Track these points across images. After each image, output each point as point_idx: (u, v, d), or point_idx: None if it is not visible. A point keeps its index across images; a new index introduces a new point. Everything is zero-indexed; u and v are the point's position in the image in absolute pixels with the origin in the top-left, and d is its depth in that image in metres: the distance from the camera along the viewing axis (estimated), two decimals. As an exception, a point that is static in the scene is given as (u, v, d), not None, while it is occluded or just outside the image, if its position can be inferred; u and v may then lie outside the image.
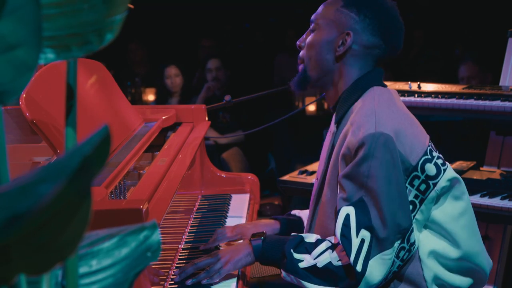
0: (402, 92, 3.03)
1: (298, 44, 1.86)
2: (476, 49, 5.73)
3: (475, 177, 2.85)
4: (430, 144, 1.73)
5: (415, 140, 1.67)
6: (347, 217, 1.61)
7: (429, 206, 1.68)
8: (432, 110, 2.91)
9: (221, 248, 1.98)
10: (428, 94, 2.97)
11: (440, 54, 6.16)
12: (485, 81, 4.24)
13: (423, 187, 1.66)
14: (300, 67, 1.87)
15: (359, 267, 1.59)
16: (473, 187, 2.75)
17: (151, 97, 5.79)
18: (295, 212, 2.12)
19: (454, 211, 1.72)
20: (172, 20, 7.76)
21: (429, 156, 1.68)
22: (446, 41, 6.54)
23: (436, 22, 6.89)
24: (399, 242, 1.61)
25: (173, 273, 1.81)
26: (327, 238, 1.72)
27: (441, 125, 3.95)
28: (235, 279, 1.80)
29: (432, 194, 1.67)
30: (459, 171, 2.91)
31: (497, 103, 2.73)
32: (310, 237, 1.73)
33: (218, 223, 2.22)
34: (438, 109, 2.89)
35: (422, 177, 1.65)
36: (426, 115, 3.13)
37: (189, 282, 1.73)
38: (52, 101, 1.75)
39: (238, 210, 2.40)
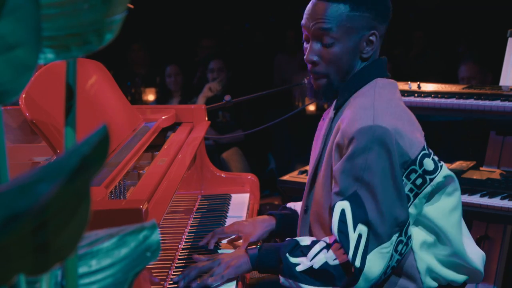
0: (402, 92, 3.02)
1: (311, 60, 1.75)
2: (476, 49, 5.73)
3: (475, 177, 2.85)
4: (426, 143, 1.73)
5: (413, 136, 1.66)
6: (343, 212, 1.60)
7: (422, 201, 1.68)
8: (432, 110, 2.91)
9: (220, 246, 1.99)
10: (428, 94, 2.97)
11: (440, 54, 6.16)
12: (485, 81, 4.24)
13: (419, 181, 1.65)
14: (322, 81, 1.78)
15: (357, 263, 1.58)
16: (473, 187, 2.75)
17: (151, 97, 5.79)
18: (290, 205, 2.12)
19: (446, 207, 1.72)
20: (172, 20, 7.76)
21: (427, 152, 1.68)
22: (446, 41, 6.54)
23: (436, 22, 6.90)
24: (397, 235, 1.61)
25: (173, 273, 1.81)
26: (322, 239, 1.72)
27: (441, 125, 3.95)
28: (234, 282, 1.80)
29: (428, 189, 1.67)
30: (459, 171, 2.91)
31: (497, 103, 2.73)
32: (305, 240, 1.73)
33: (218, 223, 2.22)
34: (438, 109, 2.89)
35: (420, 171, 1.65)
36: (426, 115, 3.13)
37: (194, 285, 1.73)
38: (52, 101, 1.76)
39: (238, 210, 2.40)
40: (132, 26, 2.84)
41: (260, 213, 2.60)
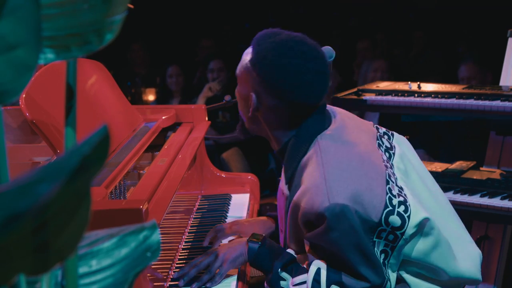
0: (402, 92, 3.03)
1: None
2: (476, 49, 5.73)
3: (475, 177, 2.85)
4: (387, 188, 1.62)
5: (373, 194, 1.59)
6: (318, 271, 1.60)
7: (400, 251, 1.64)
8: (432, 110, 2.91)
9: (220, 246, 1.99)
10: (428, 94, 2.97)
11: (440, 54, 6.16)
12: (485, 81, 4.24)
13: (391, 237, 1.61)
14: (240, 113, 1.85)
15: None
16: (473, 187, 2.75)
17: (151, 97, 5.79)
18: None
19: (425, 247, 1.66)
20: (173, 20, 7.76)
21: (390, 208, 1.59)
22: (446, 41, 6.54)
23: (436, 22, 6.90)
24: None
25: (173, 273, 1.81)
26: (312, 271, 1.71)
27: (441, 125, 3.95)
28: (235, 278, 1.80)
29: (401, 242, 1.62)
30: (459, 171, 2.91)
31: (497, 103, 2.73)
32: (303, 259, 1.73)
33: (218, 223, 2.21)
34: (438, 109, 2.89)
35: (388, 229, 1.59)
36: (426, 115, 3.13)
37: (194, 286, 1.74)
38: (52, 101, 1.76)
39: (238, 210, 2.40)
40: (132, 26, 2.84)
41: (260, 213, 2.60)
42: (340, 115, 1.79)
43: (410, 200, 1.63)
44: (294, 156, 1.71)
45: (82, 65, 2.08)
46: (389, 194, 1.61)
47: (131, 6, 0.74)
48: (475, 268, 1.78)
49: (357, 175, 1.61)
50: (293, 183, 1.72)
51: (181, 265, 1.86)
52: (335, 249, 1.58)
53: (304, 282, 1.66)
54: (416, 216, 1.61)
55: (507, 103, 2.70)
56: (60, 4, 0.67)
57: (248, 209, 2.42)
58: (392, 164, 1.74)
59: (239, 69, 1.76)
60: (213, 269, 1.75)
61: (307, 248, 1.68)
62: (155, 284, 1.72)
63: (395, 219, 1.58)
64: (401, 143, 1.86)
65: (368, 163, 1.65)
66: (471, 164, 3.03)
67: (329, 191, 1.57)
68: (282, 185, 1.81)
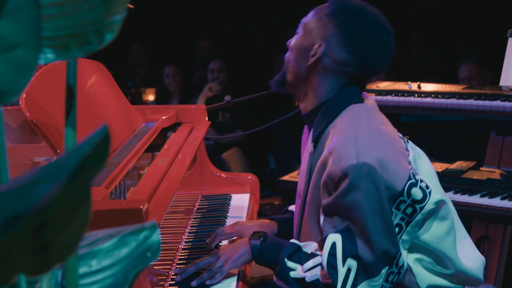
0: (402, 92, 3.03)
1: (287, 44, 1.86)
2: (477, 49, 5.73)
3: (475, 177, 2.85)
4: (411, 166, 1.68)
5: (398, 165, 1.62)
6: (333, 245, 1.60)
7: (415, 228, 1.66)
8: (432, 110, 2.91)
9: (220, 246, 1.99)
10: (428, 94, 2.97)
11: (440, 54, 6.16)
12: (486, 81, 4.24)
13: (409, 210, 1.63)
14: (283, 67, 1.86)
15: None
16: (473, 187, 2.75)
17: (151, 97, 5.79)
18: (292, 208, 2.12)
19: (440, 231, 1.69)
20: (173, 20, 7.76)
21: (414, 180, 1.63)
22: (446, 41, 6.54)
23: (436, 23, 6.90)
24: (387, 268, 1.59)
25: (173, 273, 1.81)
26: (320, 254, 1.71)
27: (441, 125, 3.95)
28: (235, 278, 1.80)
29: (419, 217, 1.64)
30: (459, 171, 2.91)
31: (497, 103, 2.73)
32: (308, 247, 1.72)
33: (218, 223, 2.22)
34: (438, 109, 2.89)
35: (409, 201, 1.62)
36: (426, 115, 3.13)
37: (193, 283, 1.74)
38: (52, 101, 1.76)
39: (238, 210, 2.40)
40: (132, 26, 2.84)
41: (260, 213, 2.60)
42: (373, 101, 1.84)
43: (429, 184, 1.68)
44: (327, 116, 1.74)
45: (82, 65, 2.08)
46: (413, 170, 1.66)
47: (131, 6, 0.74)
48: (479, 270, 1.78)
49: (385, 145, 1.65)
50: (320, 141, 1.75)
51: (181, 265, 1.86)
52: (355, 212, 1.58)
53: (316, 266, 1.65)
54: (436, 195, 1.66)
55: (507, 103, 2.70)
56: (60, 4, 0.67)
57: (248, 209, 2.42)
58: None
59: (307, 20, 1.79)
60: (214, 268, 1.75)
61: (322, 219, 1.67)
62: (155, 284, 1.72)
63: (417, 192, 1.62)
64: (415, 150, 1.85)
65: (396, 141, 1.71)
66: (471, 164, 3.03)
67: (358, 151, 1.60)
68: (308, 144, 1.82)
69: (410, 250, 1.70)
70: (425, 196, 1.63)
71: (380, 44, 1.72)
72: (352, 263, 1.58)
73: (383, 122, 1.75)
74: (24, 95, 1.66)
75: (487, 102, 2.76)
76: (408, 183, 1.61)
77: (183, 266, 1.82)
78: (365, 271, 1.58)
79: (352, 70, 1.73)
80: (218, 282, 1.76)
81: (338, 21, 1.72)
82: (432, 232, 1.68)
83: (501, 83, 3.06)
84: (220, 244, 2.01)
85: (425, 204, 1.63)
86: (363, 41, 1.71)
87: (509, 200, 2.60)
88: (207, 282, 1.74)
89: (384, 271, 1.59)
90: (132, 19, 1.21)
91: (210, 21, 7.76)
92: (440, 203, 1.67)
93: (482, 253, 1.86)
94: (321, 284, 1.64)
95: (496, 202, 2.61)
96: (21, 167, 2.04)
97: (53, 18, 0.67)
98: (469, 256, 1.77)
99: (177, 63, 5.74)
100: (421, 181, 1.65)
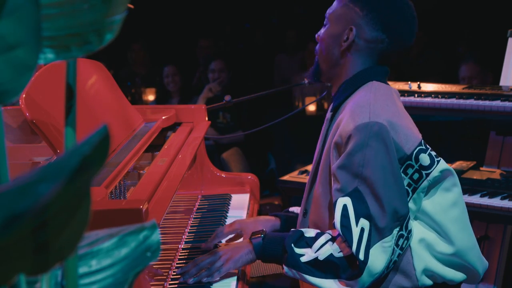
0: (402, 92, 3.03)
1: (316, 37, 1.91)
2: (477, 49, 5.73)
3: (475, 177, 2.85)
4: (423, 141, 1.74)
5: (409, 131, 1.69)
6: (345, 207, 1.62)
7: (420, 196, 1.70)
8: (432, 110, 2.91)
9: (221, 246, 1.98)
10: (428, 94, 2.97)
11: (440, 54, 6.16)
12: (486, 81, 4.24)
13: (416, 176, 1.68)
14: (315, 59, 1.92)
15: (361, 256, 1.59)
16: (473, 187, 2.75)
17: (151, 97, 5.79)
18: (293, 209, 2.12)
19: (444, 202, 1.73)
20: (173, 20, 7.76)
21: (424, 147, 1.70)
22: (446, 41, 6.54)
23: (436, 23, 6.89)
24: (397, 229, 1.62)
25: (173, 273, 1.81)
26: (326, 231, 1.73)
27: (441, 125, 3.95)
28: (235, 278, 1.80)
29: (424, 183, 1.69)
30: (459, 171, 2.91)
31: (497, 103, 2.73)
32: (310, 232, 1.74)
33: (218, 223, 2.22)
34: (438, 109, 2.89)
35: (416, 166, 1.67)
36: (426, 115, 3.13)
37: (191, 281, 1.74)
38: (52, 101, 1.76)
39: (238, 210, 2.40)
40: (132, 26, 2.84)
41: (260, 213, 2.60)
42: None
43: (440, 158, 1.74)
44: (349, 88, 1.81)
45: (82, 65, 2.08)
46: (423, 140, 1.72)
47: (131, 6, 0.74)
48: (480, 266, 1.79)
49: (399, 114, 1.72)
50: (338, 111, 1.81)
51: (181, 265, 1.86)
52: (365, 170, 1.61)
53: (326, 242, 1.67)
54: (443, 164, 1.72)
55: (507, 103, 2.70)
56: (60, 4, 0.67)
57: (248, 209, 2.42)
58: None
59: (331, 10, 1.87)
60: (213, 268, 1.75)
61: (333, 183, 1.69)
62: (155, 284, 1.72)
63: (425, 158, 1.68)
64: None
65: (409, 118, 1.78)
66: (471, 164, 3.03)
67: (372, 111, 1.66)
68: (328, 114, 1.90)
69: (416, 223, 1.72)
70: (432, 163, 1.69)
71: (404, 15, 1.80)
72: (364, 222, 1.60)
73: (401, 105, 1.82)
74: (24, 95, 1.66)
75: (487, 102, 2.76)
76: (418, 148, 1.67)
77: (183, 266, 1.82)
78: (377, 231, 1.60)
79: (385, 46, 1.80)
80: (216, 281, 1.76)
81: (362, 3, 1.79)
82: (435, 201, 1.72)
83: (501, 83, 3.06)
84: (220, 243, 2.01)
85: (431, 171, 1.68)
86: (389, 16, 1.79)
87: (509, 200, 2.60)
88: (204, 280, 1.74)
89: (395, 231, 1.61)
90: (132, 19, 1.21)
91: (210, 21, 7.76)
92: (446, 172, 1.72)
93: (482, 253, 1.86)
94: (336, 258, 1.64)
95: (496, 202, 2.61)
96: (21, 167, 2.04)
97: (53, 18, 0.67)
98: (474, 250, 1.79)
99: (177, 63, 5.74)
100: (432, 150, 1.71)
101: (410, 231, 1.66)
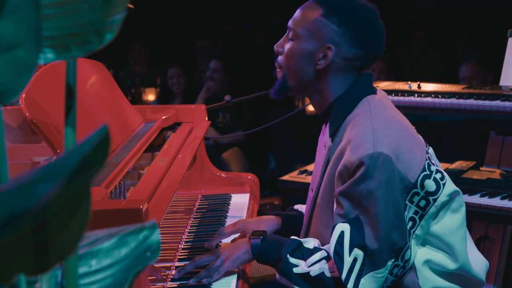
0: (402, 92, 3.03)
1: (276, 49, 1.81)
2: (477, 49, 5.73)
3: (475, 177, 2.85)
4: (427, 156, 1.70)
5: (413, 156, 1.64)
6: (342, 234, 1.60)
7: (428, 222, 1.67)
8: (432, 110, 2.91)
9: (221, 245, 1.99)
10: (428, 94, 2.97)
11: (440, 54, 6.16)
12: (487, 81, 4.24)
13: (423, 203, 1.64)
14: (279, 74, 1.81)
15: (350, 285, 1.59)
16: (473, 187, 2.75)
17: (151, 97, 5.79)
18: (298, 207, 2.11)
19: (453, 224, 1.70)
20: (173, 20, 7.75)
21: (428, 172, 1.65)
22: (446, 41, 6.54)
23: (436, 22, 6.89)
24: (393, 260, 1.60)
25: (173, 273, 1.81)
26: (324, 247, 1.71)
27: (441, 125, 3.95)
28: (235, 277, 1.80)
29: (432, 209, 1.65)
30: (459, 171, 2.91)
31: (497, 103, 2.73)
32: (309, 243, 1.73)
33: (218, 223, 2.22)
34: (438, 109, 2.89)
35: (422, 193, 1.63)
36: (426, 115, 3.13)
37: (191, 281, 1.74)
38: (52, 101, 1.76)
39: (238, 210, 2.40)
40: (132, 26, 2.84)
41: (260, 213, 2.60)
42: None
43: (445, 175, 1.71)
44: (342, 111, 1.75)
45: (82, 65, 2.08)
46: (428, 161, 1.68)
47: (131, 6, 0.74)
48: (482, 272, 1.78)
49: (402, 136, 1.67)
50: (337, 135, 1.75)
51: (181, 265, 1.86)
52: (366, 201, 1.58)
53: (320, 260, 1.66)
54: (450, 186, 1.69)
55: (507, 103, 2.70)
56: (60, 4, 0.67)
57: (248, 209, 2.42)
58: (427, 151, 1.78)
59: (299, 22, 1.75)
60: (212, 267, 1.75)
61: (335, 207, 1.67)
62: (154, 283, 1.72)
63: (430, 184, 1.64)
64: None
65: (412, 132, 1.74)
66: (471, 164, 3.03)
67: (375, 140, 1.61)
68: (326, 138, 1.81)
69: (422, 244, 1.70)
70: (438, 188, 1.65)
71: (378, 29, 1.75)
72: (358, 253, 1.58)
73: (398, 112, 1.79)
74: (24, 95, 1.66)
75: (487, 102, 2.76)
76: (422, 174, 1.63)
77: (183, 266, 1.82)
78: (371, 263, 1.58)
79: (362, 63, 1.75)
80: (215, 281, 1.76)
81: (338, 19, 1.71)
82: (444, 224, 1.70)
83: (501, 83, 3.06)
84: (221, 243, 2.02)
85: (438, 197, 1.65)
86: (367, 32, 1.72)
87: (509, 200, 2.60)
88: (204, 281, 1.74)
89: (390, 263, 1.60)
90: (132, 19, 1.21)
91: (210, 21, 7.75)
92: (454, 194, 1.70)
93: (482, 253, 1.86)
94: (327, 278, 1.64)
95: (496, 202, 2.61)
96: (21, 167, 2.04)
97: (52, 18, 0.67)
98: (473, 259, 1.77)
99: (177, 63, 5.73)
100: (436, 172, 1.67)
101: (407, 260, 1.63)
